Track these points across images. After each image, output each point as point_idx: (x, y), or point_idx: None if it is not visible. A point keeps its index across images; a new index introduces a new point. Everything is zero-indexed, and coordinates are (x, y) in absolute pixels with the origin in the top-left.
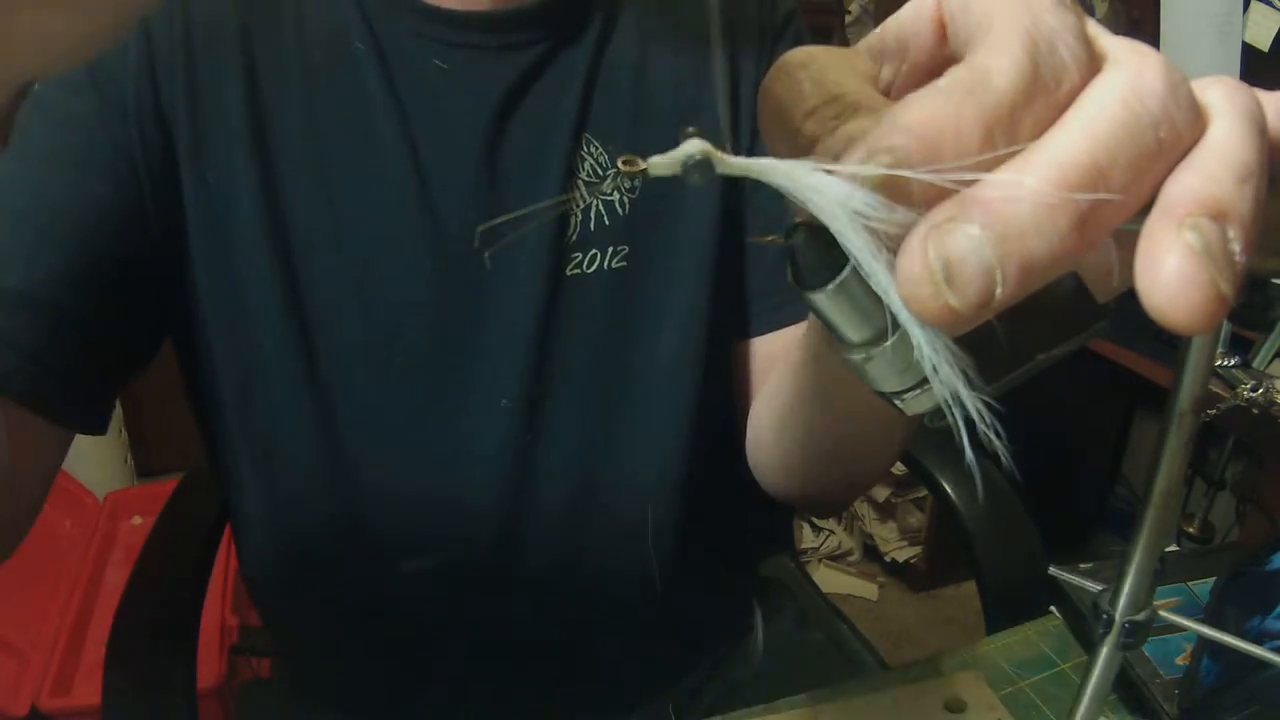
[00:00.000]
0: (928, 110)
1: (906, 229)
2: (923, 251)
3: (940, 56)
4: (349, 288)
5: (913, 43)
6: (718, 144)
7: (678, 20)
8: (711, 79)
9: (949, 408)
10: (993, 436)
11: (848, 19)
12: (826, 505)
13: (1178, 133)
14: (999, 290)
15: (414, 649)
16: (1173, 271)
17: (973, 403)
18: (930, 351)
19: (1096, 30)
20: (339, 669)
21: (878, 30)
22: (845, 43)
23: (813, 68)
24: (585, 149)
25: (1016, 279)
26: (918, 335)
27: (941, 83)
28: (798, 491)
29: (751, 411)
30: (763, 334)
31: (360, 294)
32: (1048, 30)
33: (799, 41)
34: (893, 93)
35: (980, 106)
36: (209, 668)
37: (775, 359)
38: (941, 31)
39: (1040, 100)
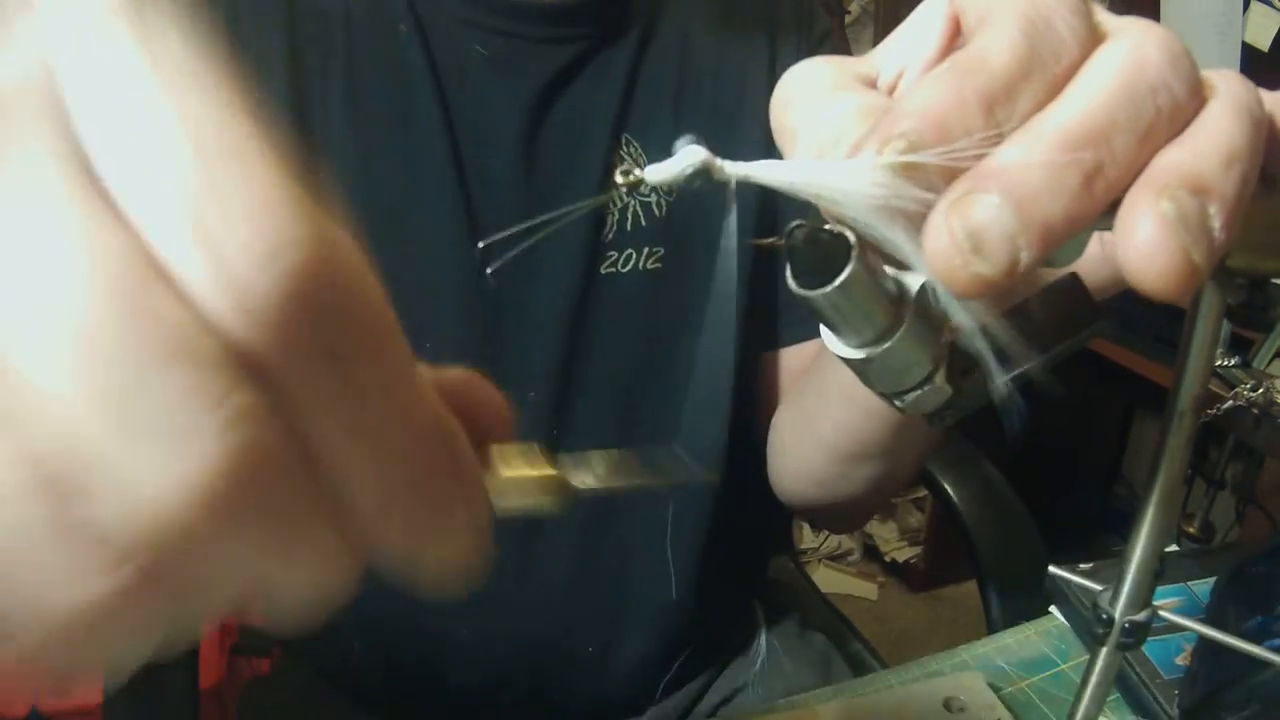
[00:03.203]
0: (932, 93)
1: (926, 205)
2: (948, 225)
3: (950, 50)
4: (381, 270)
5: (928, 40)
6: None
7: (720, 23)
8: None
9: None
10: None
11: (848, 19)
12: (848, 514)
13: (1176, 102)
14: (1023, 255)
15: (424, 642)
16: (1145, 236)
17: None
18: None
19: (1103, 12)
20: (349, 659)
21: (893, 34)
22: (846, 43)
23: (816, 81)
24: (625, 148)
25: (1039, 241)
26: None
27: (942, 67)
28: (820, 499)
29: (775, 418)
30: (791, 345)
31: (392, 278)
32: (1045, 9)
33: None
34: (899, 88)
35: (979, 85)
36: (209, 668)
37: (801, 371)
38: (955, 27)
39: (1038, 76)
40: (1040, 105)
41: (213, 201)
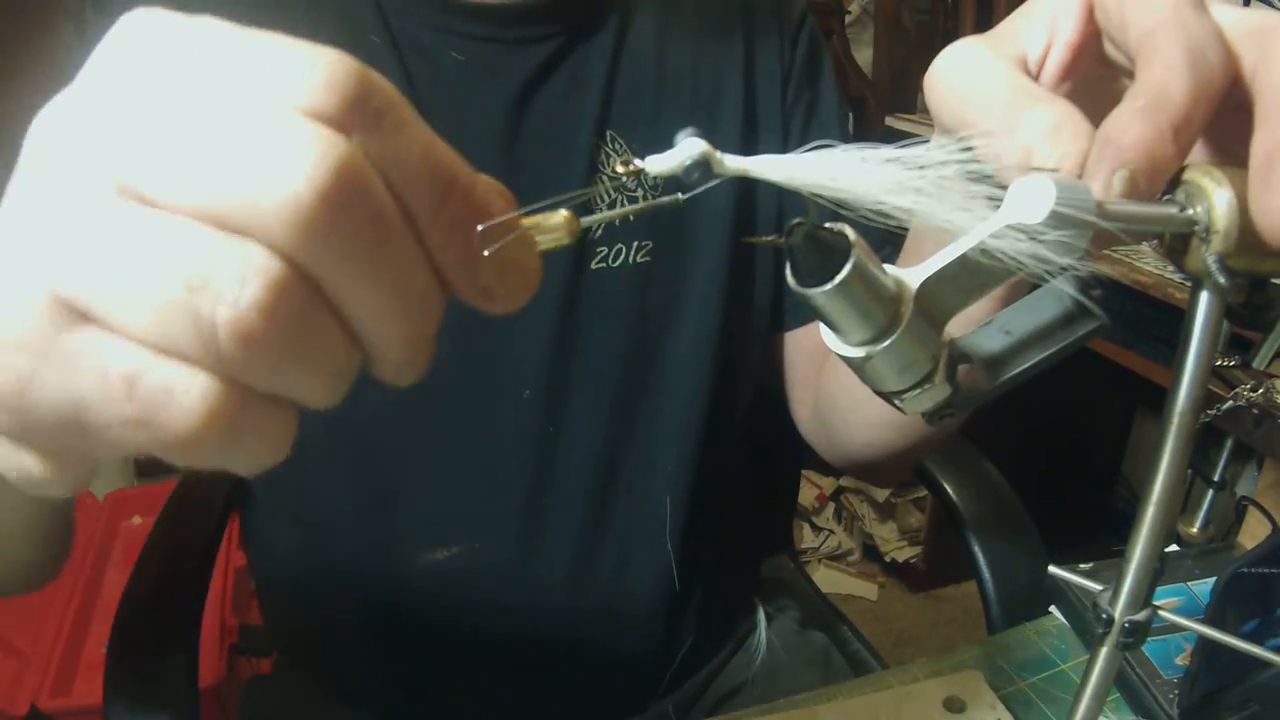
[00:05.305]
0: (1140, 128)
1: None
2: None
3: (1088, 33)
4: None
5: (1068, 23)
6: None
7: (696, 14)
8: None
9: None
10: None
11: (848, 19)
12: (906, 458)
13: None
14: None
15: (427, 641)
16: None
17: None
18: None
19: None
20: (349, 661)
21: (1023, 11)
22: (845, 43)
23: (983, 72)
24: (609, 145)
25: None
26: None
27: (1138, 104)
28: (883, 447)
29: (822, 389)
30: (796, 328)
31: None
32: (1200, 41)
33: (814, 42)
34: (1045, 67)
35: (1170, 118)
36: (209, 668)
37: (814, 349)
38: (1089, 12)
39: (1204, 102)
40: (1204, 124)
41: None
